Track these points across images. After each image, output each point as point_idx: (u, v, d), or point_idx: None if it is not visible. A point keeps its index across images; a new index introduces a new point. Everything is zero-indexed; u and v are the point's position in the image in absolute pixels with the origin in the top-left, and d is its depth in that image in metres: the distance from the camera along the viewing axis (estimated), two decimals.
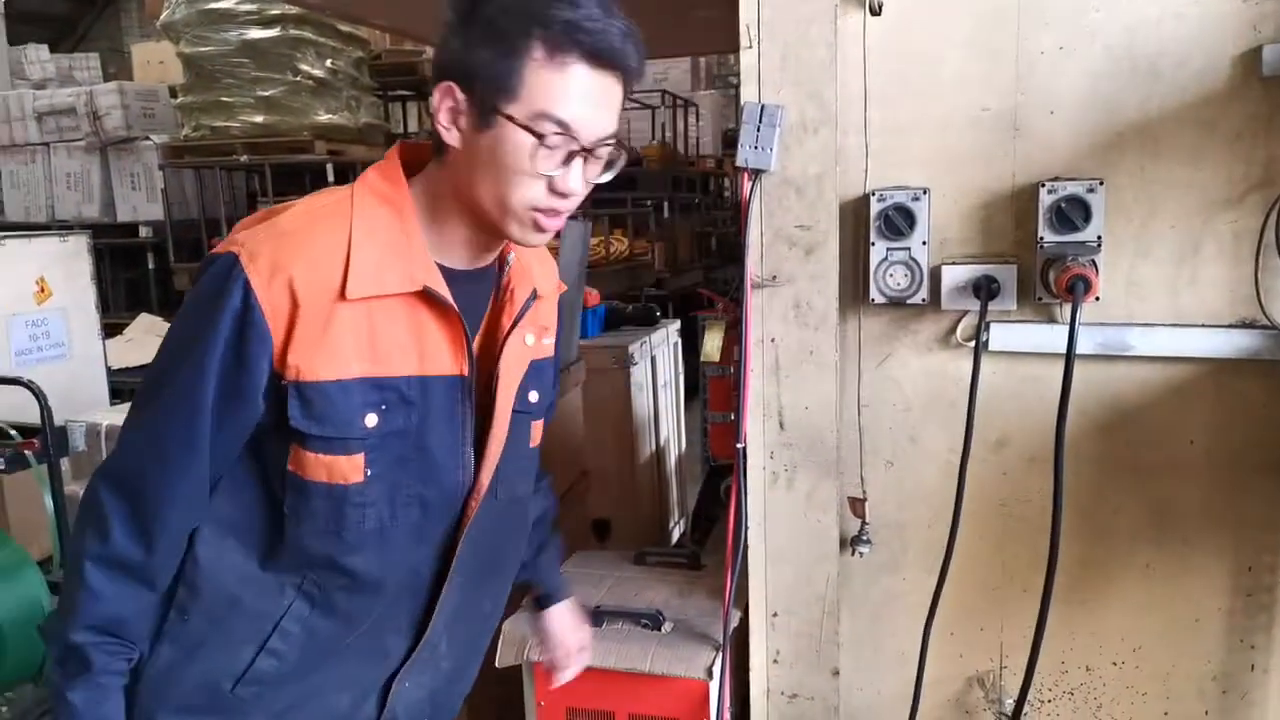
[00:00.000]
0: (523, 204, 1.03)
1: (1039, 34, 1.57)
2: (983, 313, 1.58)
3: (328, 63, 6.20)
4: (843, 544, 1.73)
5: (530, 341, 1.19)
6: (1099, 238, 1.53)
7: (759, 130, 1.64)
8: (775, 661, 1.74)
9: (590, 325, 3.64)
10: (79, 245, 4.37)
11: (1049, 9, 1.56)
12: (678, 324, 4.19)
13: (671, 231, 7.21)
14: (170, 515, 1.03)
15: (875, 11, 1.62)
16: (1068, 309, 1.52)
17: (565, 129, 1.00)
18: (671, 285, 6.70)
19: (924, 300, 1.63)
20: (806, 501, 1.70)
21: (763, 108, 1.64)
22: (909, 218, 1.62)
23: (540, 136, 0.99)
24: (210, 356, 0.99)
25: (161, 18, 6.11)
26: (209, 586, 1.07)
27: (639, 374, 3.60)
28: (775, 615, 1.73)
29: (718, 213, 9.48)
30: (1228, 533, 1.61)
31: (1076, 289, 1.46)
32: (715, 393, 2.16)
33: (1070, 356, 1.47)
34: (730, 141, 10.97)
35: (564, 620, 1.50)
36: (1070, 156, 1.58)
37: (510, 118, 0.99)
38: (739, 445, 1.69)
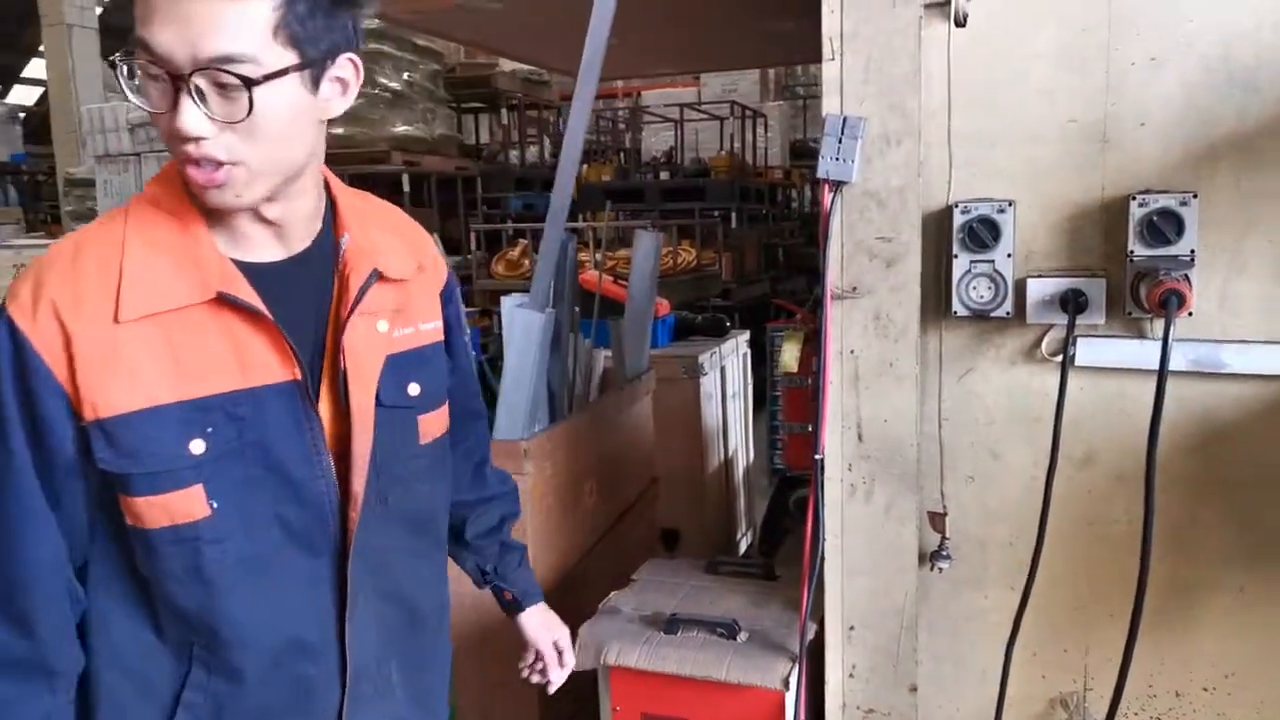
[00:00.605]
0: (176, 159, 0.91)
1: (1130, 44, 1.55)
2: (1070, 327, 1.56)
3: (404, 76, 6.37)
4: (921, 559, 1.71)
5: (384, 328, 1.06)
6: (1192, 252, 1.50)
7: (840, 142, 1.65)
8: (851, 676, 1.73)
9: (660, 335, 3.67)
10: None
11: (1140, 19, 1.54)
12: (747, 334, 4.19)
13: (739, 242, 7.21)
14: (38, 590, 0.95)
15: (960, 23, 1.61)
16: (1159, 324, 1.49)
17: (148, 52, 0.87)
18: (738, 296, 6.69)
19: (1008, 313, 1.61)
20: (885, 514, 1.69)
21: (845, 119, 1.64)
22: (993, 230, 1.60)
23: (131, 72, 0.89)
24: (9, 426, 0.91)
25: None
26: (110, 669, 1.00)
27: (708, 384, 3.62)
28: (852, 629, 1.72)
29: (785, 223, 9.43)
30: None
31: (1169, 304, 1.43)
32: (792, 404, 2.16)
33: (1163, 373, 1.44)
34: (799, 152, 10.94)
35: (539, 623, 1.42)
36: (1161, 169, 1.55)
37: (125, 54, 0.90)
38: (817, 456, 1.69)
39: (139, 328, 0.91)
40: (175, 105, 0.87)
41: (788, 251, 9.18)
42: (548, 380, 2.49)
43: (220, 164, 0.90)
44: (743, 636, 1.77)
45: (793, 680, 1.66)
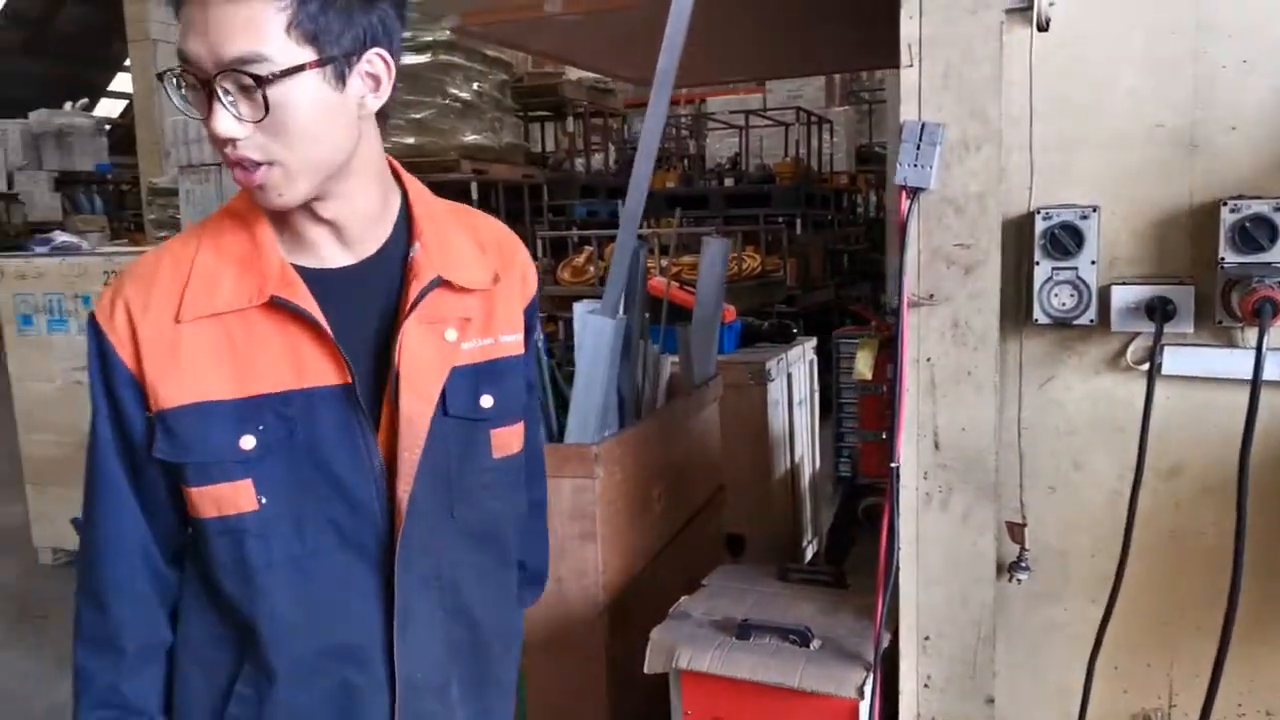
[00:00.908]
0: (225, 163, 0.96)
1: (1219, 48, 1.51)
2: (1158, 335, 1.53)
3: (474, 86, 6.47)
4: (999, 569, 1.69)
5: (451, 338, 1.06)
6: None
7: (919, 148, 1.64)
8: (926, 686, 1.71)
9: (727, 342, 3.67)
10: None
11: (1231, 22, 1.50)
12: (814, 341, 4.18)
13: (804, 248, 7.17)
14: (111, 574, 1.02)
15: (1043, 27, 1.59)
16: (1250, 333, 1.45)
17: (185, 62, 0.91)
18: (803, 302, 6.65)
19: (1091, 321, 1.58)
20: (962, 524, 1.67)
21: (923, 125, 1.63)
22: (1076, 236, 1.58)
23: (179, 84, 0.93)
24: (99, 416, 1.00)
25: None
26: (183, 650, 1.07)
27: (775, 390, 3.61)
28: (927, 639, 1.70)
29: (851, 229, 9.35)
30: None
31: (1264, 312, 1.39)
32: (867, 411, 2.15)
33: (1257, 382, 1.40)
34: (864, 157, 10.84)
35: None
36: (1254, 174, 1.51)
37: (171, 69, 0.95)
38: (892, 464, 1.68)
39: (199, 327, 0.97)
40: (211, 110, 0.91)
41: (853, 257, 9.10)
42: (618, 386, 2.52)
43: (258, 164, 0.93)
44: (815, 644, 1.76)
45: (867, 689, 1.65)
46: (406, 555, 1.02)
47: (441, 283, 1.04)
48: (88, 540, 1.04)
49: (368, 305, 1.04)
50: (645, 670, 1.79)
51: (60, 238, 4.64)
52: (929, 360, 1.67)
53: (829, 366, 4.67)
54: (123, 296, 0.99)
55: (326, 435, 0.99)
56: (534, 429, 1.25)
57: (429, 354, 1.03)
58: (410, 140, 6.39)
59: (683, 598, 2.03)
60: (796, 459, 3.89)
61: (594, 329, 2.36)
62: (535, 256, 6.52)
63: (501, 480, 1.13)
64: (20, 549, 4.61)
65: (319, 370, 0.99)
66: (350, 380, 0.99)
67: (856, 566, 2.17)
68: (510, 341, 1.13)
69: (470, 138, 6.44)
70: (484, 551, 1.13)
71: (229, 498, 0.98)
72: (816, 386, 4.18)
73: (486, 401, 1.09)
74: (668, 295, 3.10)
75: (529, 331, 1.18)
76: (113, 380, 0.99)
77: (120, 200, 16.52)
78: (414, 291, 1.02)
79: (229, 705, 1.04)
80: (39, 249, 4.55)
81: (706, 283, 3.22)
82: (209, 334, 0.97)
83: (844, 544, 3.08)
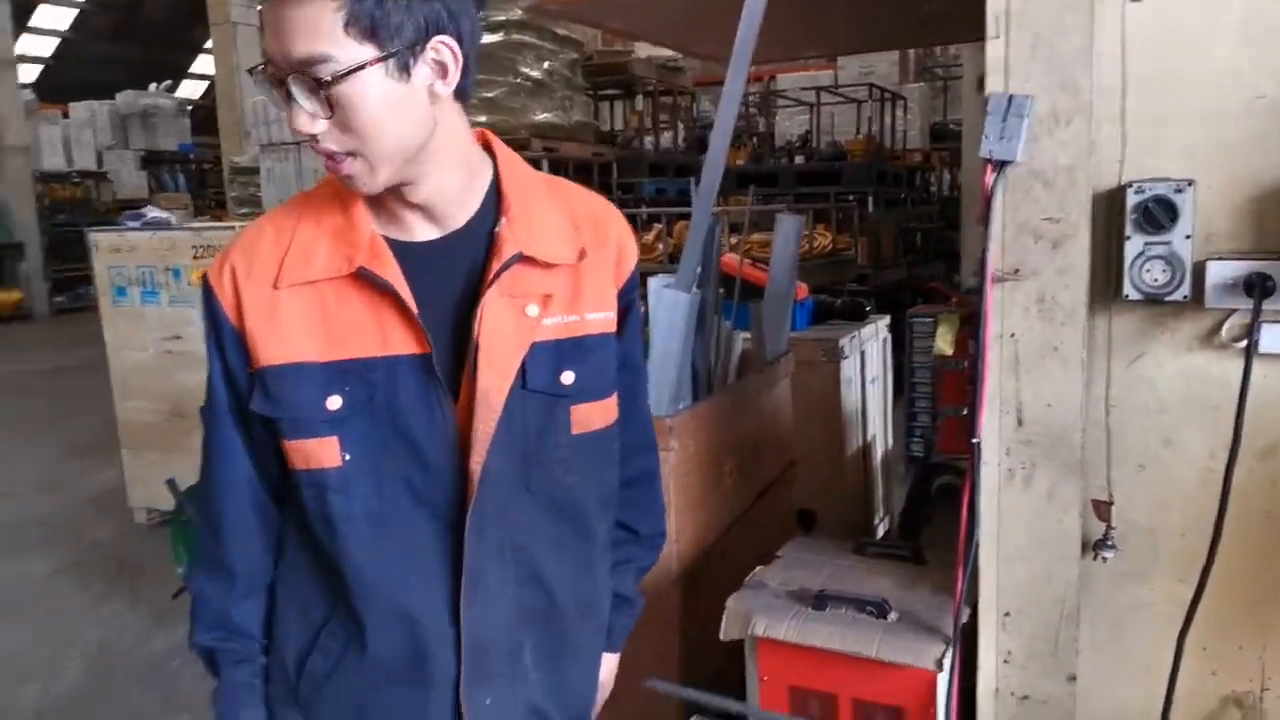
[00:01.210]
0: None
1: None
2: (1256, 312, 1.49)
3: (545, 65, 6.51)
4: (1084, 547, 1.67)
5: (533, 313, 1.06)
6: None
7: (1005, 121, 1.61)
8: (1006, 662, 1.71)
9: (799, 319, 3.66)
10: None
11: None
12: (887, 319, 4.13)
13: (875, 227, 7.08)
14: (224, 506, 1.11)
15: None
16: None
17: (267, 59, 0.95)
18: (874, 281, 6.57)
19: (1185, 297, 1.55)
20: (1046, 501, 1.66)
21: (1010, 98, 1.61)
22: (1170, 210, 1.54)
23: (268, 81, 0.97)
24: (213, 370, 1.08)
25: None
26: (283, 586, 1.14)
27: (848, 368, 3.59)
28: (1008, 615, 1.70)
29: (923, 208, 9.18)
30: None
31: None
32: (947, 387, 2.14)
33: None
34: (939, 135, 10.61)
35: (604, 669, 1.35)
36: None
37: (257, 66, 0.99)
38: (973, 441, 1.67)
39: (295, 294, 1.03)
40: (289, 107, 0.96)
41: (926, 236, 8.95)
42: (692, 360, 2.54)
43: (341, 155, 0.97)
44: (893, 616, 1.77)
45: (946, 661, 1.65)
46: (478, 523, 1.05)
47: (523, 258, 1.06)
48: (206, 479, 1.12)
49: (452, 278, 1.06)
50: (721, 637, 1.82)
51: (151, 213, 4.82)
52: (1013, 336, 1.66)
53: (901, 346, 4.62)
54: (230, 262, 1.06)
55: (406, 402, 1.03)
56: (641, 403, 1.27)
57: (508, 328, 1.05)
58: (482, 119, 6.46)
59: (758, 568, 2.06)
60: (869, 437, 3.87)
61: (669, 303, 2.38)
62: None
63: (581, 456, 1.13)
64: (117, 510, 4.85)
65: (401, 339, 1.02)
66: (428, 350, 1.02)
67: (931, 544, 2.16)
68: (597, 319, 1.13)
69: (541, 116, 6.49)
70: (561, 524, 1.14)
71: (315, 453, 1.04)
72: (890, 365, 4.13)
73: (567, 378, 1.09)
74: (740, 272, 3.11)
75: (627, 310, 1.18)
76: (221, 338, 1.06)
77: (202, 179, 17.05)
78: (495, 266, 1.04)
79: (315, 646, 1.11)
80: (131, 224, 4.73)
81: (779, 259, 3.21)
82: (304, 300, 1.03)
83: (917, 522, 3.06)
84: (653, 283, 2.42)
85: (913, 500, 3.27)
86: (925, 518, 3.11)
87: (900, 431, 4.76)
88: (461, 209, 1.07)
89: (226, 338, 1.05)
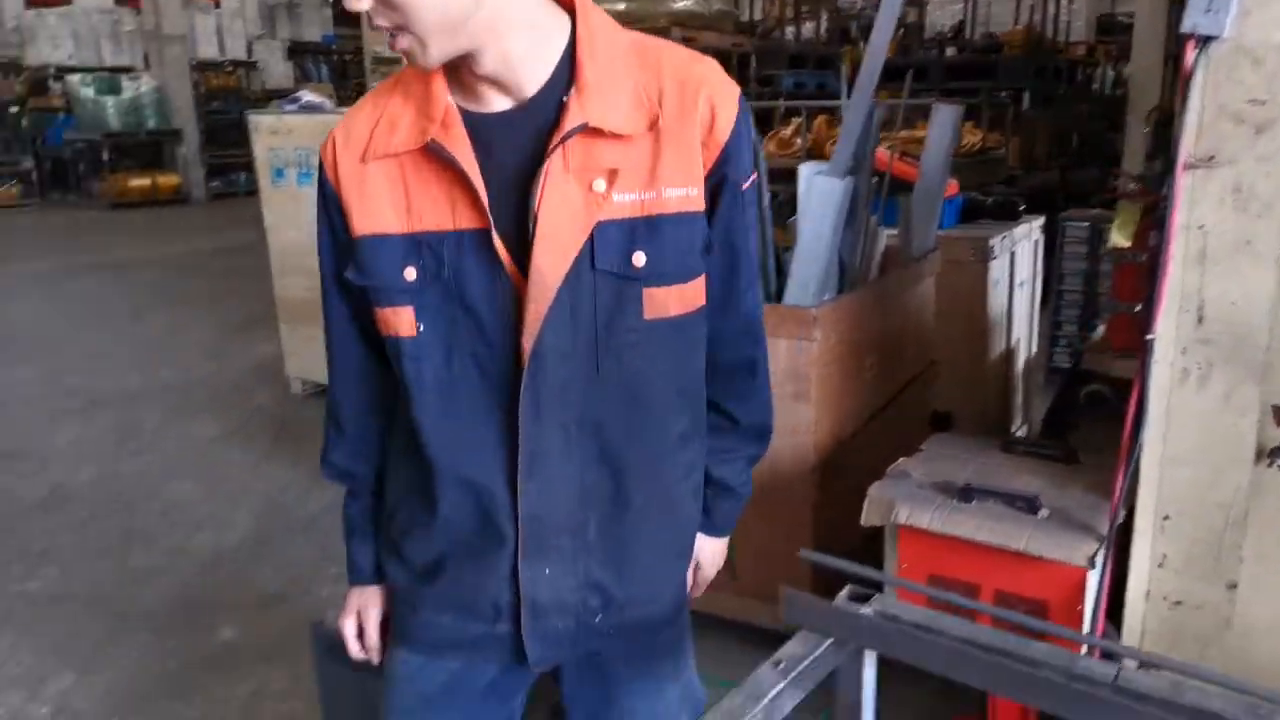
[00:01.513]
0: None
1: None
2: None
3: None
4: (1258, 454, 1.59)
5: (600, 188, 1.01)
6: None
7: None
8: (1161, 566, 1.66)
9: (947, 216, 3.52)
10: None
11: None
12: (1041, 220, 3.93)
13: (1029, 125, 6.66)
14: (335, 369, 1.18)
15: None
16: None
17: None
18: (1024, 183, 6.21)
19: None
20: (1222, 404, 1.58)
21: None
22: None
23: None
24: (321, 237, 1.12)
25: None
26: (393, 445, 1.19)
27: (997, 269, 3.46)
28: (1167, 518, 1.65)
29: (1084, 105, 8.57)
30: None
31: None
32: (1122, 280, 2.03)
33: None
34: (1105, 27, 9.81)
35: (709, 549, 1.30)
36: None
37: None
38: (1147, 338, 1.59)
39: (379, 166, 1.04)
40: None
41: (1083, 137, 8.39)
42: (839, 251, 2.49)
43: (393, 32, 0.97)
44: (1043, 513, 1.74)
45: (1099, 560, 1.63)
46: (533, 401, 1.04)
47: (589, 129, 1.00)
48: (326, 343, 1.19)
49: (522, 151, 1.02)
50: (862, 522, 1.84)
51: (306, 97, 4.98)
52: (1201, 228, 1.56)
53: (1051, 252, 4.40)
54: (333, 135, 1.09)
55: (470, 275, 1.03)
56: (741, 289, 1.15)
57: (573, 206, 1.01)
58: (620, 6, 6.35)
59: (900, 459, 2.05)
60: (1012, 342, 3.74)
61: (820, 190, 2.33)
62: None
63: (656, 342, 1.07)
64: (275, 380, 5.19)
65: (466, 213, 1.02)
66: (487, 225, 1.01)
67: (1086, 446, 2.09)
68: (678, 196, 1.04)
69: (680, 4, 6.32)
70: (635, 410, 1.09)
71: (394, 322, 1.06)
72: (1040, 269, 3.95)
73: (639, 259, 1.03)
74: (890, 166, 2.99)
75: (721, 185, 1.07)
76: (328, 208, 1.10)
77: (344, 70, 17.44)
78: (556, 138, 0.99)
79: (402, 501, 1.16)
80: (288, 107, 4.91)
81: (933, 151, 3.08)
82: (387, 172, 1.04)
83: (1061, 429, 2.96)
84: (804, 169, 2.37)
85: (1058, 406, 3.16)
86: (1070, 424, 3.02)
87: (1044, 341, 4.58)
88: (532, 78, 1.02)
89: (331, 207, 1.09)
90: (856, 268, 2.65)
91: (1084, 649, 1.29)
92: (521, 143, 1.01)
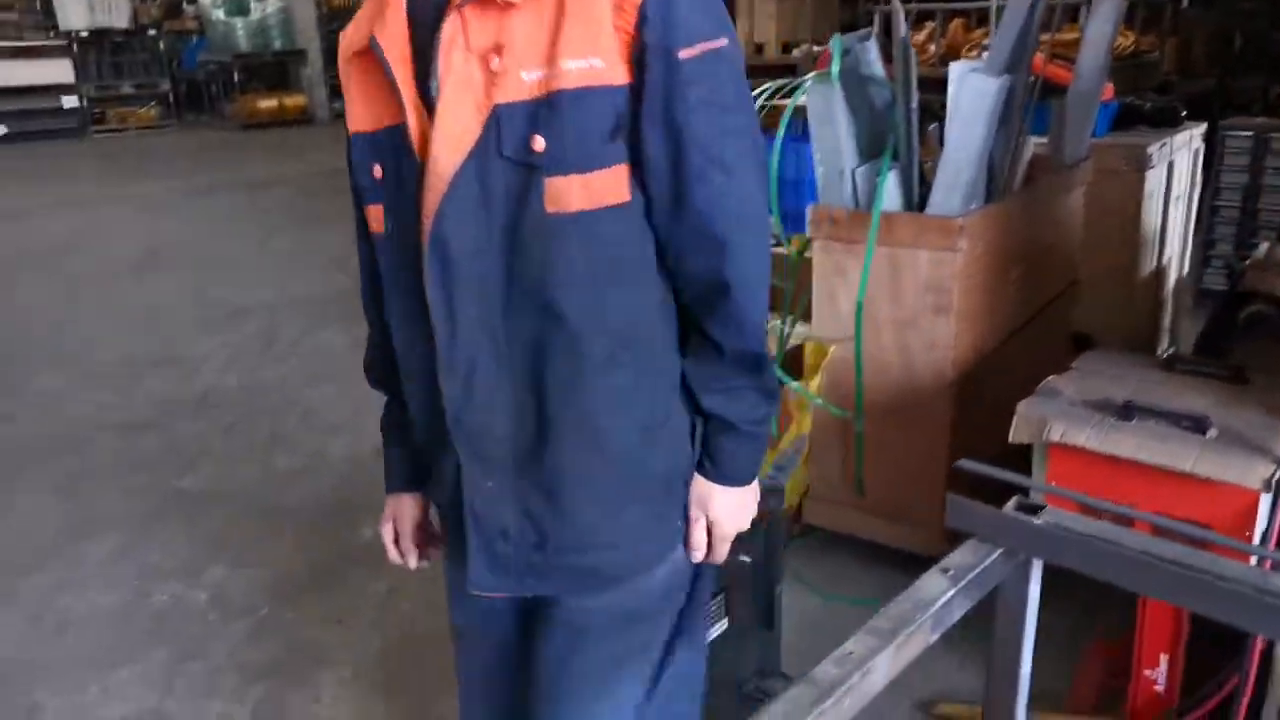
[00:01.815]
0: None
1: None
2: None
3: None
4: None
5: (496, 66, 0.92)
6: None
7: None
8: None
9: (1100, 122, 3.28)
10: None
11: None
12: (1203, 127, 3.63)
13: (1188, 26, 6.13)
14: (361, 271, 1.16)
15: None
16: None
17: None
18: (1180, 90, 5.76)
19: None
20: None
21: None
22: None
23: None
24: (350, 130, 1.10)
25: None
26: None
27: (1153, 180, 3.22)
28: None
29: (1250, 4, 7.82)
30: None
31: None
32: None
33: None
34: None
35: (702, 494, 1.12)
36: None
37: None
38: None
39: (354, 64, 1.05)
40: None
41: (1246, 39, 7.67)
42: (990, 157, 2.35)
43: None
44: (1212, 433, 1.63)
45: (1275, 482, 1.52)
46: (443, 299, 0.97)
47: (471, 1, 0.92)
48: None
49: (436, 27, 0.96)
50: (1010, 439, 1.76)
51: None
52: None
53: (1208, 165, 4.07)
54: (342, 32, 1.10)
55: (406, 169, 0.99)
56: (694, 189, 0.97)
57: (473, 87, 0.93)
58: None
59: (1050, 376, 1.95)
60: (1164, 261, 3.50)
61: (973, 90, 2.18)
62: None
63: (562, 240, 0.95)
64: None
65: (398, 107, 0.99)
66: (402, 120, 0.98)
67: (1258, 362, 1.94)
68: (577, 68, 0.91)
69: None
70: (546, 319, 0.98)
71: (372, 220, 1.07)
72: (1199, 181, 3.66)
73: (538, 144, 0.92)
74: (1042, 69, 2.79)
75: (647, 52, 0.92)
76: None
77: None
78: (447, 15, 0.94)
79: (404, 396, 1.16)
80: None
81: (1091, 49, 2.85)
82: (359, 69, 1.04)
83: (1217, 354, 2.78)
84: (955, 67, 2.23)
85: (1213, 329, 2.96)
86: (1225, 350, 2.83)
87: (1196, 260, 4.28)
88: None
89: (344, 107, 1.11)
90: (1003, 176, 2.50)
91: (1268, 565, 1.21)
92: (436, 19, 0.95)
